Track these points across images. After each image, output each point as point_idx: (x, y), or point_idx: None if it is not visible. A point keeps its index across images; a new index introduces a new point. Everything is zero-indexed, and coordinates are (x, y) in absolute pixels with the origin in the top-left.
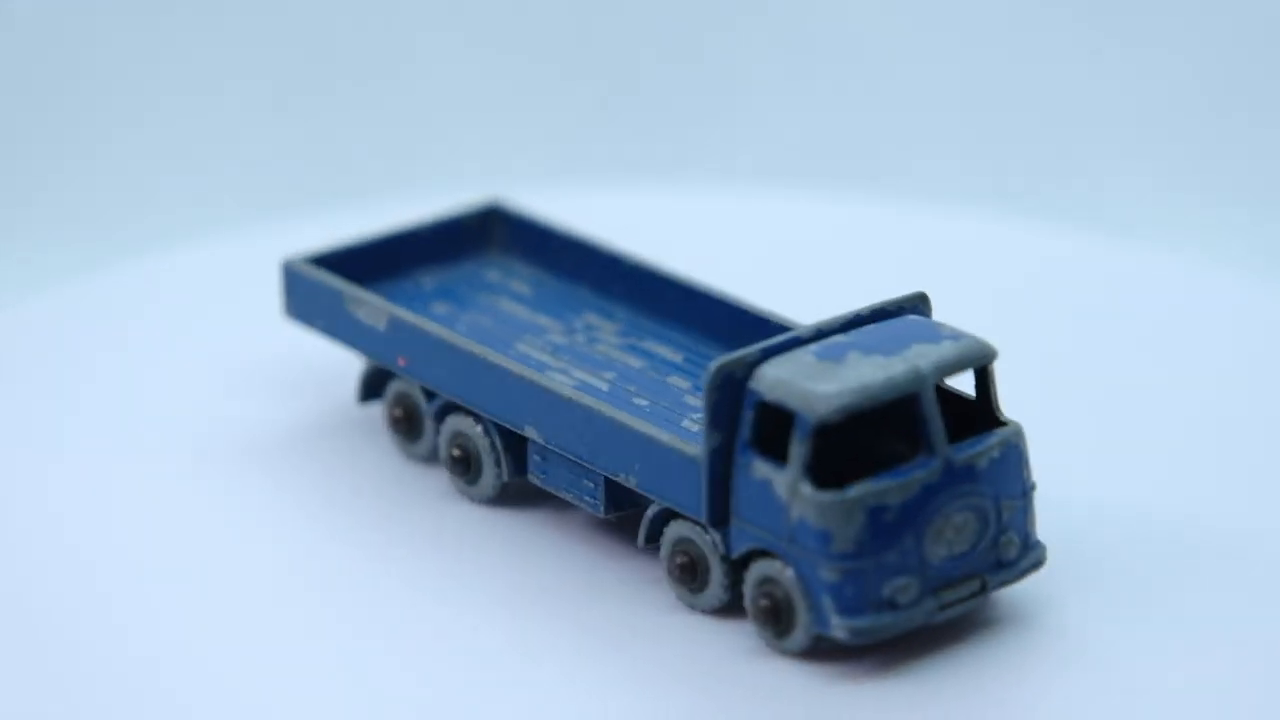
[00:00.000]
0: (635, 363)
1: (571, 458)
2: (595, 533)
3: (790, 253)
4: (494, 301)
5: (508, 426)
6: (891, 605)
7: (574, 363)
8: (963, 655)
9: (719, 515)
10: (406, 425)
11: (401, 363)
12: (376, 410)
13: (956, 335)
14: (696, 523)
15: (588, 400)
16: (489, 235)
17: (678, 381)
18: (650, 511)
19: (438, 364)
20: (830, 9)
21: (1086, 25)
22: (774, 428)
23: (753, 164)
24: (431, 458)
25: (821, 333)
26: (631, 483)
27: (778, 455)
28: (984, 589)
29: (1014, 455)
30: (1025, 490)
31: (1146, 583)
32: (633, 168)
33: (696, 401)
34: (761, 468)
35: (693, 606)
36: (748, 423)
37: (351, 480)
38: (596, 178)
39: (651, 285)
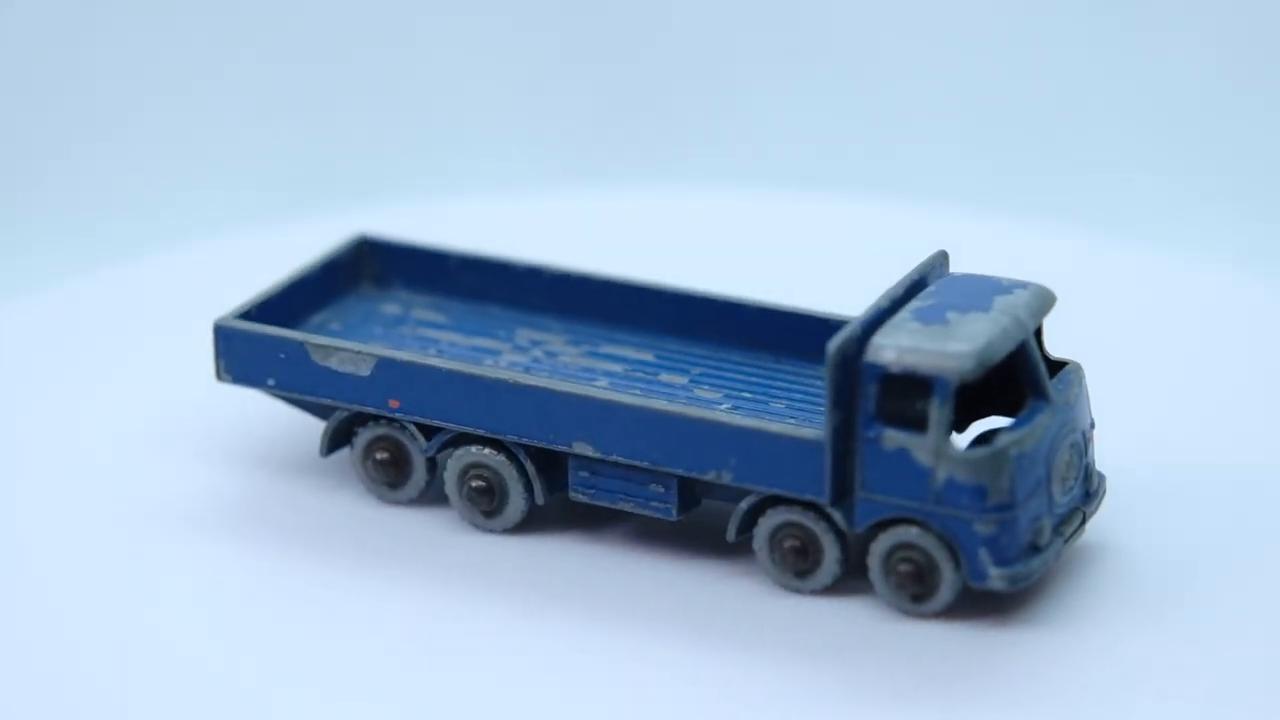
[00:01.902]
0: (613, 367)
1: (639, 465)
2: (630, 542)
3: (789, 252)
4: (416, 334)
5: (548, 447)
6: (1035, 548)
7: (559, 378)
8: (1068, 609)
9: (840, 493)
10: (393, 470)
11: (394, 405)
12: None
13: (1017, 282)
14: (807, 505)
15: (666, 405)
16: (362, 269)
17: (673, 379)
18: (745, 504)
19: (448, 398)
20: (829, 9)
21: (1086, 25)
22: (898, 397)
23: (752, 164)
24: (418, 499)
25: (895, 303)
26: (725, 478)
27: (906, 423)
28: (1084, 520)
29: (1084, 390)
30: (1093, 423)
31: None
32: (631, 168)
33: (707, 393)
34: (894, 437)
35: (799, 590)
36: (871, 396)
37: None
38: (596, 178)
39: (578, 291)
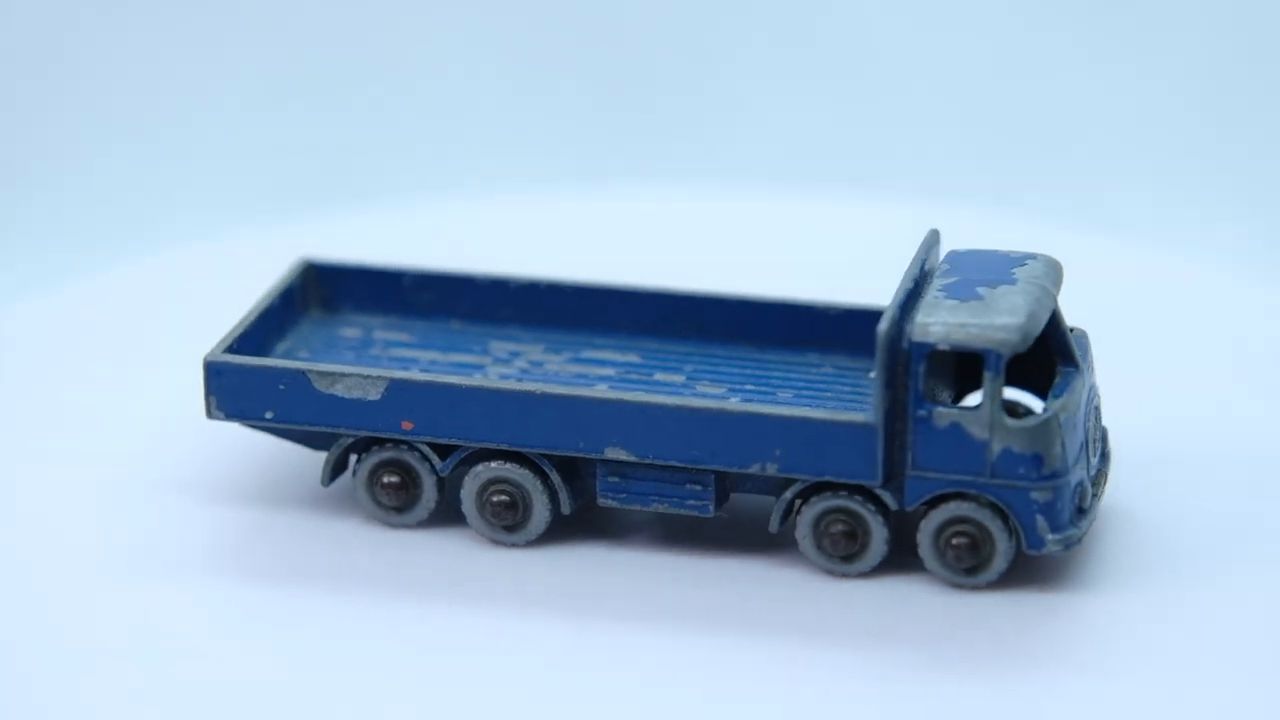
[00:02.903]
0: (605, 371)
1: (676, 465)
2: (657, 543)
3: (788, 253)
4: (389, 354)
5: (578, 455)
6: (1081, 511)
7: (558, 386)
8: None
9: (889, 474)
10: (402, 493)
11: (407, 427)
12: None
13: (1025, 254)
14: (853, 488)
15: (706, 402)
16: (309, 294)
17: (669, 377)
18: (789, 493)
19: (468, 415)
20: (827, 9)
21: (1086, 25)
22: (944, 373)
23: (750, 165)
24: (428, 521)
25: (917, 284)
26: (770, 470)
27: (955, 399)
28: (1106, 480)
29: (1090, 356)
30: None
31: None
32: (630, 168)
33: (709, 388)
34: (946, 414)
35: (845, 574)
36: (919, 375)
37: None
38: (592, 179)
39: (546, 299)
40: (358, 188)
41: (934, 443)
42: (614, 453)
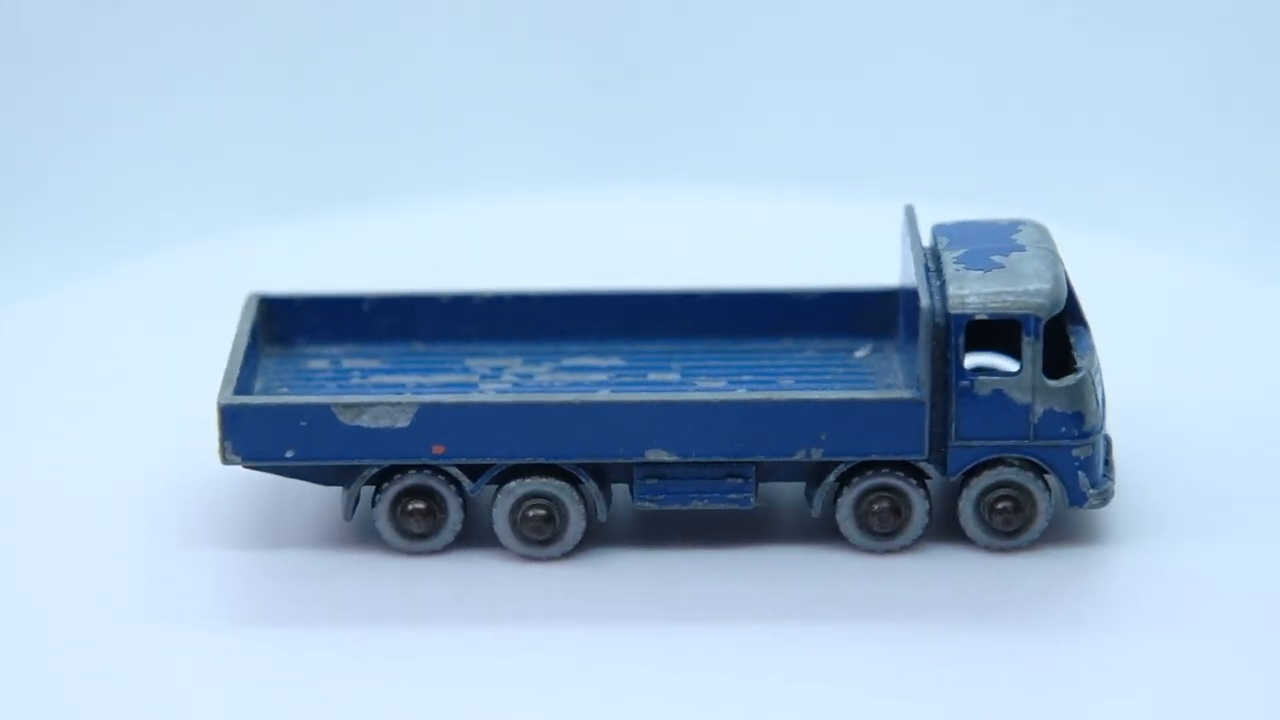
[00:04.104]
0: (598, 376)
1: (719, 460)
2: (692, 542)
3: (786, 252)
4: (371, 382)
5: (617, 461)
6: (1108, 464)
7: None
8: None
9: (934, 447)
10: (429, 519)
11: (438, 451)
12: None
13: (1013, 220)
14: (895, 465)
15: (747, 395)
16: (264, 329)
17: (664, 376)
18: (832, 476)
19: (502, 433)
20: (826, 9)
21: (1085, 25)
22: (983, 342)
23: (748, 165)
24: (451, 546)
25: (937, 257)
26: (816, 455)
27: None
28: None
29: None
30: None
31: None
32: (627, 169)
33: (708, 382)
34: (988, 382)
35: (886, 550)
36: (959, 348)
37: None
38: (590, 179)
39: (511, 312)
40: (358, 188)
41: (977, 411)
42: (655, 454)
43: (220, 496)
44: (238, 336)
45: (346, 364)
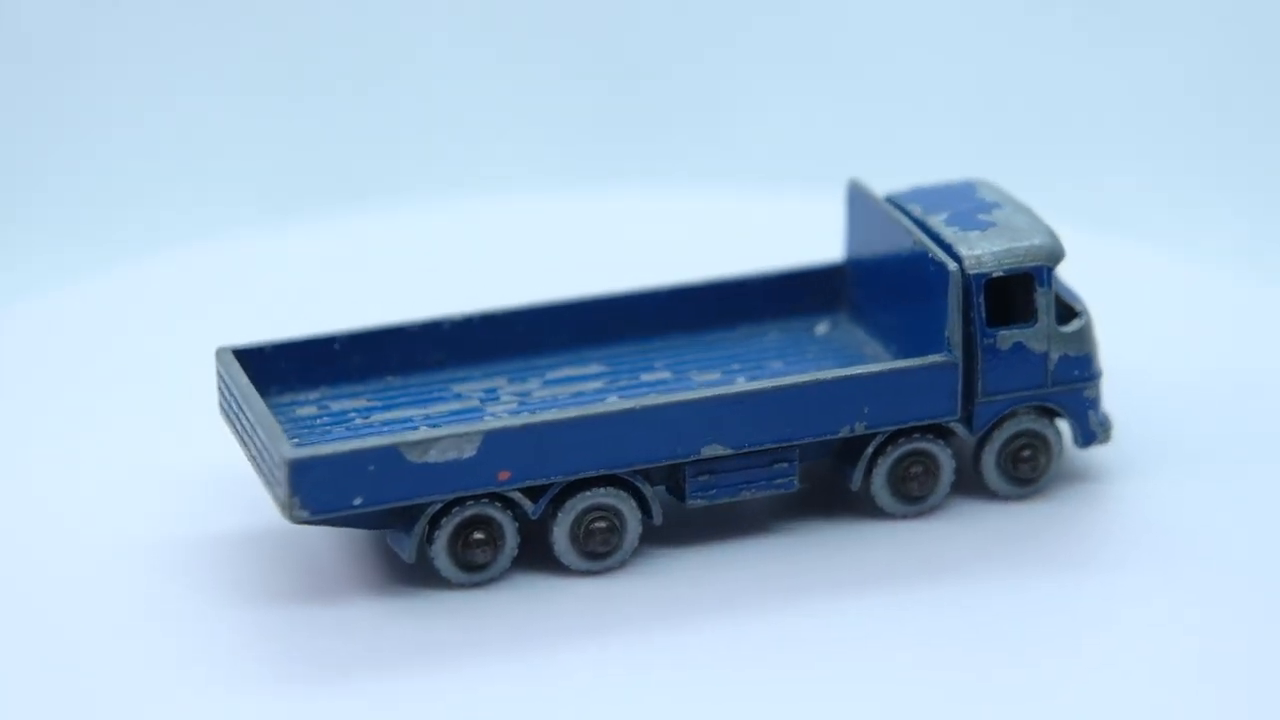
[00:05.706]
0: (593, 385)
1: (768, 447)
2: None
3: (786, 252)
4: (371, 422)
5: (676, 463)
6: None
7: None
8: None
9: (964, 406)
10: (490, 549)
11: (504, 477)
12: None
13: (965, 182)
14: (925, 430)
15: (797, 378)
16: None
17: (656, 376)
18: (870, 447)
19: (566, 449)
20: (826, 9)
21: (1085, 25)
22: (999, 298)
23: (748, 165)
24: (505, 574)
25: (920, 223)
26: (859, 429)
27: (1013, 319)
28: None
29: None
30: None
31: None
32: (627, 169)
33: (702, 376)
34: (1008, 336)
35: (915, 513)
36: (980, 306)
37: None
38: (590, 179)
39: (474, 333)
40: (358, 188)
41: (999, 366)
42: (710, 450)
43: (220, 497)
44: (243, 390)
45: (338, 406)
